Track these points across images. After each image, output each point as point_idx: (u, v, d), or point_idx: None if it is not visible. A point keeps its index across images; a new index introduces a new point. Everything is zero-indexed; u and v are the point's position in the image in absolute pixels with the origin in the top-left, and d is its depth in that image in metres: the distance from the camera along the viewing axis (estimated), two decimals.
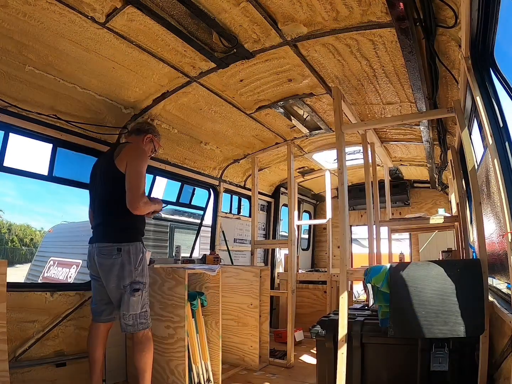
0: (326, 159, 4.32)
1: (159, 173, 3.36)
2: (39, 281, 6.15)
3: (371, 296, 2.14)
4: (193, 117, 2.97)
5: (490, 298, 1.82)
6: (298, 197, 4.96)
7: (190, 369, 2.44)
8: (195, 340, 2.52)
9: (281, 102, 2.80)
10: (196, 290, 2.74)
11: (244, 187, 4.51)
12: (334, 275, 4.38)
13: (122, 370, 2.73)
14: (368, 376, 2.06)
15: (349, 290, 2.41)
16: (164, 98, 2.61)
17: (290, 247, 3.38)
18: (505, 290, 2.05)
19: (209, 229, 4.15)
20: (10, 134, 2.29)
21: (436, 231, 4.55)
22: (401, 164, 4.43)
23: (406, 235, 5.70)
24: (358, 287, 6.34)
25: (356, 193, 4.82)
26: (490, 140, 1.46)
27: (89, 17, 1.77)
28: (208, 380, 2.56)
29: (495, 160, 1.43)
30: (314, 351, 2.97)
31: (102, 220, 2.16)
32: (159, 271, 2.56)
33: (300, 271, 5.08)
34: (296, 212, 4.01)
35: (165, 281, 2.51)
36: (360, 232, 7.34)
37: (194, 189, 3.92)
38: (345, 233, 2.14)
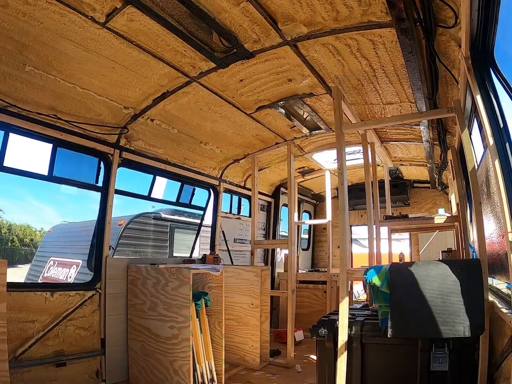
0: (326, 159, 4.32)
1: (159, 173, 3.36)
2: (39, 281, 6.13)
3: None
4: (193, 117, 2.97)
5: (490, 298, 1.82)
6: (298, 197, 4.96)
7: (194, 369, 2.44)
8: (200, 340, 2.52)
9: (281, 102, 2.80)
10: (198, 290, 2.74)
11: (244, 187, 4.51)
12: (334, 275, 4.38)
13: (123, 370, 2.74)
14: (368, 376, 2.06)
15: (349, 290, 2.41)
16: (164, 98, 2.61)
17: (290, 247, 3.38)
18: (505, 290, 2.05)
19: (209, 229, 4.15)
20: (10, 134, 2.29)
21: (437, 231, 4.55)
22: (401, 164, 4.43)
23: (406, 235, 5.70)
24: (358, 287, 6.36)
25: (356, 193, 4.81)
26: (490, 140, 1.46)
27: (89, 17, 1.77)
28: (212, 380, 2.56)
29: (495, 160, 1.43)
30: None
31: None
32: (162, 271, 2.56)
33: (300, 271, 5.08)
34: (296, 212, 4.00)
35: (169, 281, 2.51)
36: (360, 232, 7.34)
37: (194, 189, 3.92)
38: (345, 233, 2.13)
